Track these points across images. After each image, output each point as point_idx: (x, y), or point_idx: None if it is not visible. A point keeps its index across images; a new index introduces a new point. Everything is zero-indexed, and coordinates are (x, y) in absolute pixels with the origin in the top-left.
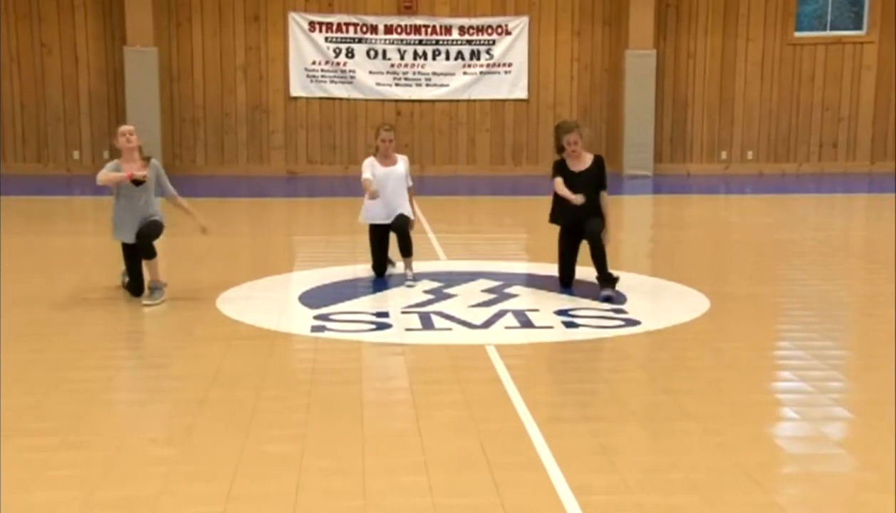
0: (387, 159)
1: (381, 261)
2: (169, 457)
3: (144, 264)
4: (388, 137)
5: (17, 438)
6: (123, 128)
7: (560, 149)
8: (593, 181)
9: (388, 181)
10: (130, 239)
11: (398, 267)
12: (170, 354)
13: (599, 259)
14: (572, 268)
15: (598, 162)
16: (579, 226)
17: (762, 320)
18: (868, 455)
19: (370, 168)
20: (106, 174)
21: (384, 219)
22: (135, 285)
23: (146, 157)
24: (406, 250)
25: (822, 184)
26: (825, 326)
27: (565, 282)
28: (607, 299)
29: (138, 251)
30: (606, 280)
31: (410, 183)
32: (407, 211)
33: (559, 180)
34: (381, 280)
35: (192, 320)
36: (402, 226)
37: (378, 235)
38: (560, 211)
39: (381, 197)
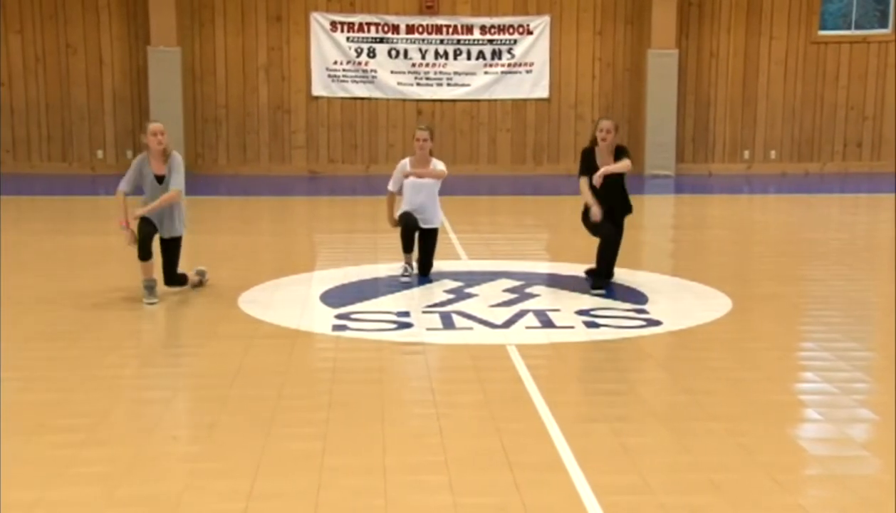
0: (421, 164)
1: (410, 242)
2: (191, 454)
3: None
4: (421, 136)
5: (43, 434)
6: (154, 127)
7: (594, 139)
8: (618, 180)
9: (421, 190)
10: (166, 234)
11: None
12: (192, 352)
13: (609, 257)
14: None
15: (621, 149)
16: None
17: (785, 321)
18: (893, 457)
19: (400, 174)
20: (118, 198)
21: (421, 223)
22: (143, 249)
23: (168, 153)
24: (425, 270)
25: (846, 184)
26: (849, 326)
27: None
28: (597, 288)
29: (154, 226)
30: (607, 276)
31: (443, 168)
32: (437, 222)
33: (584, 182)
34: (401, 281)
35: (215, 319)
36: (428, 249)
37: (411, 222)
38: (588, 217)
39: (411, 202)
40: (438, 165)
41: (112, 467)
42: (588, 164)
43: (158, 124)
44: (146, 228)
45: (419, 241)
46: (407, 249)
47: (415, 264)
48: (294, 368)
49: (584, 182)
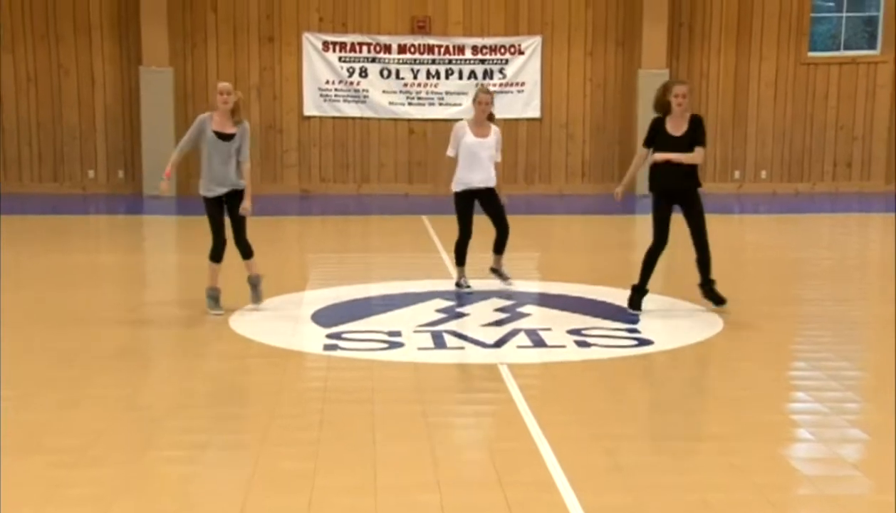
0: (480, 127)
1: (464, 254)
2: (183, 474)
3: (244, 264)
4: (485, 99)
5: (36, 454)
6: (221, 85)
7: (665, 105)
8: (690, 148)
9: (481, 151)
10: (221, 191)
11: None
12: (184, 371)
13: (706, 261)
14: (667, 236)
15: (696, 121)
16: (679, 193)
17: (776, 340)
18: (884, 477)
19: (459, 137)
20: (173, 159)
21: (478, 183)
22: (216, 244)
23: (239, 120)
24: (501, 245)
25: (836, 203)
26: (840, 346)
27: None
28: (720, 302)
29: (223, 207)
30: (712, 286)
31: (499, 158)
32: (491, 182)
33: (643, 152)
34: (394, 298)
35: (206, 338)
36: (499, 213)
37: (468, 201)
38: (660, 175)
39: (471, 165)
40: (494, 131)
41: (104, 487)
42: (656, 133)
43: (226, 84)
44: (218, 223)
45: (487, 211)
46: (460, 261)
47: (468, 279)
48: (285, 387)
49: (642, 154)
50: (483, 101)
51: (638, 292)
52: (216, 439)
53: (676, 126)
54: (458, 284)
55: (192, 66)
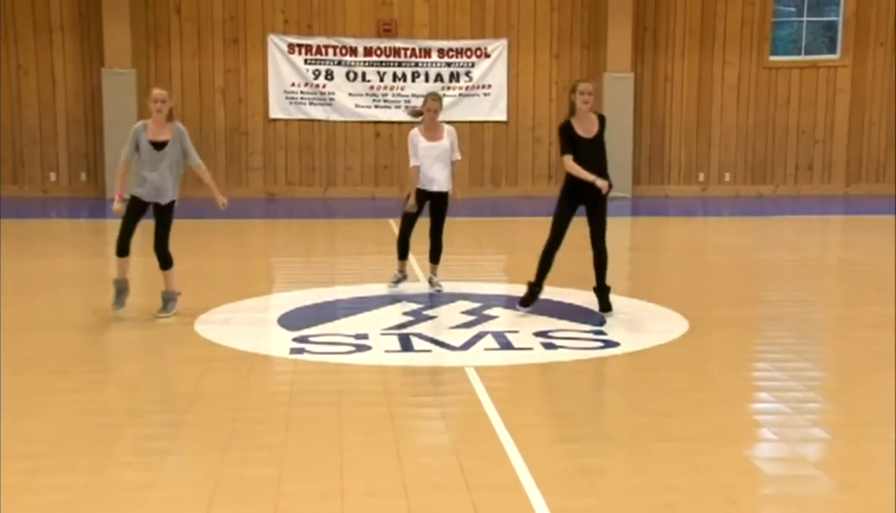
0: (431, 131)
1: (405, 249)
2: (145, 481)
3: (161, 275)
4: (434, 107)
5: None
6: (156, 93)
7: (571, 106)
8: (602, 149)
9: (432, 155)
10: (144, 196)
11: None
12: (146, 376)
13: (602, 267)
14: (563, 236)
15: (603, 122)
16: (588, 195)
17: (740, 342)
18: (845, 476)
19: (415, 145)
20: (118, 174)
21: (430, 186)
22: (121, 242)
23: (171, 121)
24: (436, 255)
25: (798, 206)
26: (802, 347)
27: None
28: (607, 309)
29: (141, 211)
30: (606, 293)
31: (458, 156)
32: (446, 186)
33: (569, 159)
34: (361, 301)
35: (170, 342)
36: (438, 220)
37: (418, 200)
38: (574, 189)
39: (423, 172)
40: (447, 133)
41: (66, 494)
42: (571, 137)
43: (161, 91)
44: (131, 220)
45: (431, 217)
46: (402, 255)
47: (406, 272)
48: (251, 391)
49: (569, 160)
50: (432, 109)
51: (533, 289)
52: (178, 445)
53: (586, 128)
54: (394, 277)
55: (156, 68)
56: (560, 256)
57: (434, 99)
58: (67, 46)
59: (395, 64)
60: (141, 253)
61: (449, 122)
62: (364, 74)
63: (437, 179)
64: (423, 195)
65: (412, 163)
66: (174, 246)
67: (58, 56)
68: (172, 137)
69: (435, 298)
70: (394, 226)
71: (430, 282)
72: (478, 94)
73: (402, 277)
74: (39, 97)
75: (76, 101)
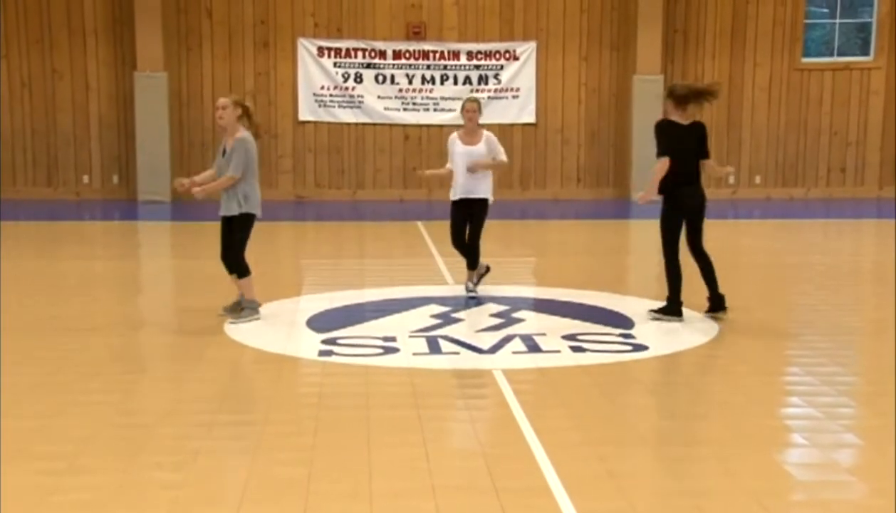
0: (469, 136)
1: (459, 240)
2: (176, 481)
3: (232, 280)
4: (470, 107)
5: (25, 461)
6: (219, 101)
7: (697, 94)
8: (701, 142)
9: (468, 160)
10: (221, 211)
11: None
12: (177, 377)
13: (474, 261)
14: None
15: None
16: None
17: (771, 346)
18: (878, 482)
19: (451, 149)
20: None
21: (461, 194)
22: (223, 256)
23: (240, 129)
24: (472, 262)
25: (830, 209)
26: (834, 351)
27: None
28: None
29: (223, 225)
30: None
31: (504, 158)
32: (484, 193)
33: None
34: (389, 303)
35: (200, 344)
36: (474, 228)
37: (456, 212)
38: (678, 195)
39: (455, 178)
40: (485, 138)
41: (95, 494)
42: (673, 132)
43: (223, 99)
44: (222, 235)
45: (468, 223)
46: (467, 264)
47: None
48: (280, 393)
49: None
50: (470, 109)
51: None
52: (209, 445)
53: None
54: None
55: (187, 71)
56: (588, 260)
57: (471, 101)
58: (101, 50)
59: (424, 67)
60: (170, 256)
61: (478, 125)
62: (393, 77)
63: (463, 186)
64: (455, 204)
65: (447, 166)
66: (206, 248)
67: (91, 60)
68: (234, 146)
69: (463, 301)
70: (422, 228)
71: (467, 288)
72: (506, 97)
73: (486, 269)
74: (73, 101)
75: (109, 104)
